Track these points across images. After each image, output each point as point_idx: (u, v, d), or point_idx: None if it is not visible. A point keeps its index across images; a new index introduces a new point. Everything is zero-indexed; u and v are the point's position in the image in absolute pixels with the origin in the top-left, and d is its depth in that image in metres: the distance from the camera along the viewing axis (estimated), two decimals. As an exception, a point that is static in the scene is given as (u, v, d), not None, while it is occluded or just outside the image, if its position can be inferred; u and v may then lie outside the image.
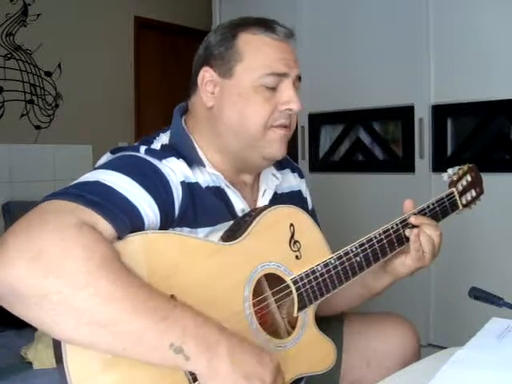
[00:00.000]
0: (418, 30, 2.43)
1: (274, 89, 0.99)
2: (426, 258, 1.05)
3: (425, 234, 1.04)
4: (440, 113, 2.40)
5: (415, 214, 1.07)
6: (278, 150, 1.02)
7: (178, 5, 4.13)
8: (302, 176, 1.23)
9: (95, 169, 0.89)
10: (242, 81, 0.99)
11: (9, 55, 3.24)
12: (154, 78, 4.08)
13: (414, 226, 1.06)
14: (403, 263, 1.05)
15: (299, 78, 1.03)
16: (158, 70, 4.13)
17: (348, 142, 2.79)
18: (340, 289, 1.00)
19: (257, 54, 0.99)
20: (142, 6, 3.92)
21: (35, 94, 3.37)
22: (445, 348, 0.92)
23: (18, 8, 3.27)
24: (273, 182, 1.12)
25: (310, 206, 1.21)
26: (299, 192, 1.19)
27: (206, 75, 1.01)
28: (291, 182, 1.18)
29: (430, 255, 1.05)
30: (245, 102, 0.99)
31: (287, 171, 1.19)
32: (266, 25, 1.01)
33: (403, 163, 2.54)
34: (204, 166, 1.00)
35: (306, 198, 1.20)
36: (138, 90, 3.95)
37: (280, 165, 1.17)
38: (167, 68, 4.17)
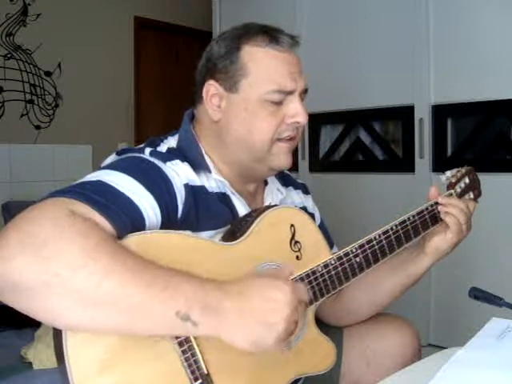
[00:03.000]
0: (418, 30, 2.43)
1: (279, 102, 0.99)
2: (464, 229, 1.07)
3: (455, 207, 1.07)
4: (440, 113, 2.40)
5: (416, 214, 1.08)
6: (285, 161, 1.03)
7: (178, 5, 4.13)
8: (307, 192, 1.23)
9: (100, 169, 0.90)
10: (248, 96, 0.98)
11: (9, 55, 3.24)
12: (153, 78, 4.08)
13: (434, 219, 1.08)
14: (444, 239, 1.06)
15: (305, 90, 1.03)
16: (157, 70, 4.13)
17: (348, 142, 2.79)
18: (340, 289, 1.00)
19: (262, 70, 0.98)
20: (142, 6, 3.93)
21: (35, 94, 3.38)
22: (445, 348, 0.92)
23: (17, 8, 3.28)
24: (278, 196, 1.13)
25: (318, 222, 1.20)
26: (304, 209, 1.17)
27: (211, 89, 1.00)
28: (294, 199, 1.18)
29: (466, 226, 1.07)
30: (252, 116, 0.98)
31: (290, 189, 1.19)
32: (270, 35, 0.99)
33: (403, 163, 2.54)
34: (210, 171, 1.01)
35: (313, 214, 1.19)
36: (138, 90, 3.96)
37: (284, 181, 1.18)
38: (167, 68, 4.17)
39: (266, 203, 1.10)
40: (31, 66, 3.35)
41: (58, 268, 0.68)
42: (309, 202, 1.21)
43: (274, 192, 1.13)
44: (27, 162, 3.25)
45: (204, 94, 1.01)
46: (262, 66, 0.98)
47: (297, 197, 1.19)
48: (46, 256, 0.68)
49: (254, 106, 0.98)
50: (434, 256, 1.08)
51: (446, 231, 1.07)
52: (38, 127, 3.39)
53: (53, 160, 3.39)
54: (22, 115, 3.32)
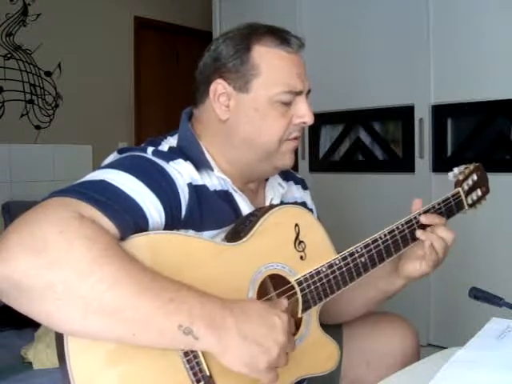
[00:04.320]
0: (418, 30, 2.43)
1: (289, 103, 1.00)
2: (440, 259, 1.05)
3: (439, 239, 1.03)
4: (440, 113, 2.40)
5: (423, 213, 1.06)
6: (290, 160, 1.05)
7: (178, 5, 4.13)
8: (305, 187, 1.23)
9: (101, 168, 0.89)
10: (258, 96, 0.98)
11: (9, 55, 3.24)
12: (154, 78, 4.08)
13: (423, 226, 1.05)
14: (416, 268, 1.05)
15: (309, 91, 1.04)
16: (158, 70, 4.13)
17: (348, 142, 2.79)
18: (344, 289, 0.99)
19: (274, 70, 0.99)
20: (142, 6, 3.92)
21: (35, 94, 3.37)
22: (445, 348, 0.92)
23: (17, 8, 3.27)
24: (279, 191, 1.13)
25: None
26: (304, 204, 1.18)
27: (219, 88, 1.00)
28: (295, 193, 1.19)
29: (442, 256, 1.05)
30: (262, 117, 0.99)
31: (291, 183, 1.20)
32: (279, 36, 1.00)
33: (403, 163, 2.54)
34: (212, 169, 1.00)
35: (311, 210, 1.20)
36: (138, 90, 3.96)
37: (284, 176, 1.18)
38: (167, 68, 4.17)
39: (268, 198, 1.10)
40: (31, 66, 3.35)
41: (63, 273, 0.67)
42: (308, 197, 1.22)
43: (276, 186, 1.13)
44: (27, 161, 3.25)
45: (211, 93, 1.00)
46: (273, 67, 0.99)
47: (297, 191, 1.20)
48: (51, 259, 0.67)
49: (265, 107, 0.99)
50: (406, 280, 1.07)
51: (421, 261, 1.04)
52: (37, 127, 3.38)
53: (53, 160, 3.39)
54: (22, 115, 3.32)
